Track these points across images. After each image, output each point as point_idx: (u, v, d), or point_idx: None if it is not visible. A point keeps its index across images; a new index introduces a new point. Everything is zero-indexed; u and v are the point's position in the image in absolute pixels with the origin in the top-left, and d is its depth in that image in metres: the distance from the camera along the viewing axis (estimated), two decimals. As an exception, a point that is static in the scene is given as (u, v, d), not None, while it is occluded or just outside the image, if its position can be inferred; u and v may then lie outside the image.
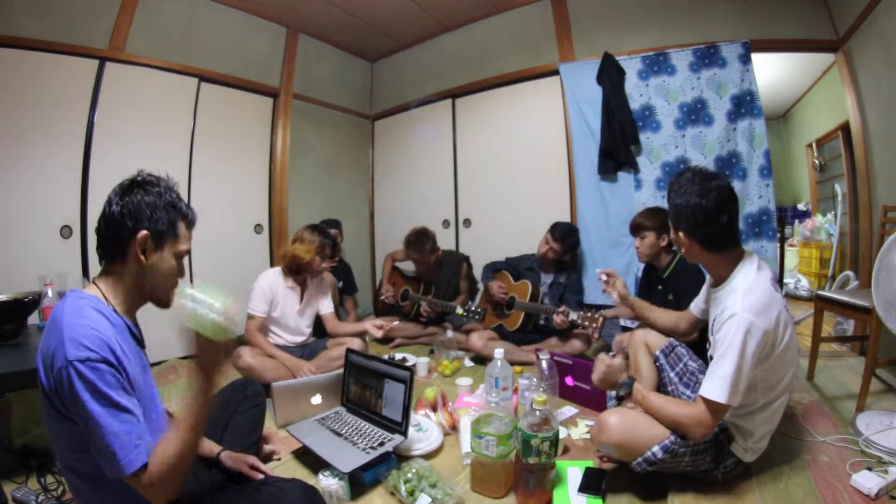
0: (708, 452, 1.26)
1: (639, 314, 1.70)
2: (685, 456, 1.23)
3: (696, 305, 1.55)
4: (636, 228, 2.16)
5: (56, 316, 0.82)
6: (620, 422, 1.25)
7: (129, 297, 0.93)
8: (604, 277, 1.69)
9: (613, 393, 1.92)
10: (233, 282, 2.90)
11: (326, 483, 1.27)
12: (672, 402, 1.28)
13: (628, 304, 1.68)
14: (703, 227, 1.25)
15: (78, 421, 0.76)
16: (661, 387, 1.56)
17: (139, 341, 0.96)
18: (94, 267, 2.46)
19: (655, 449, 1.21)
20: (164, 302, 0.97)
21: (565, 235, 2.58)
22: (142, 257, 0.90)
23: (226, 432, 1.33)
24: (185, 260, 1.02)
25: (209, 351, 0.87)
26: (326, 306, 2.40)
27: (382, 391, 1.59)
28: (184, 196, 0.99)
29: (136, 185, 0.92)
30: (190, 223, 1.00)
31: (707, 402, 1.16)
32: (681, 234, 1.30)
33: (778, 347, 1.20)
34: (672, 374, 1.53)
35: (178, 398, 1.23)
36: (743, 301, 1.16)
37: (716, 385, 1.14)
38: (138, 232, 0.89)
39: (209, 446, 1.22)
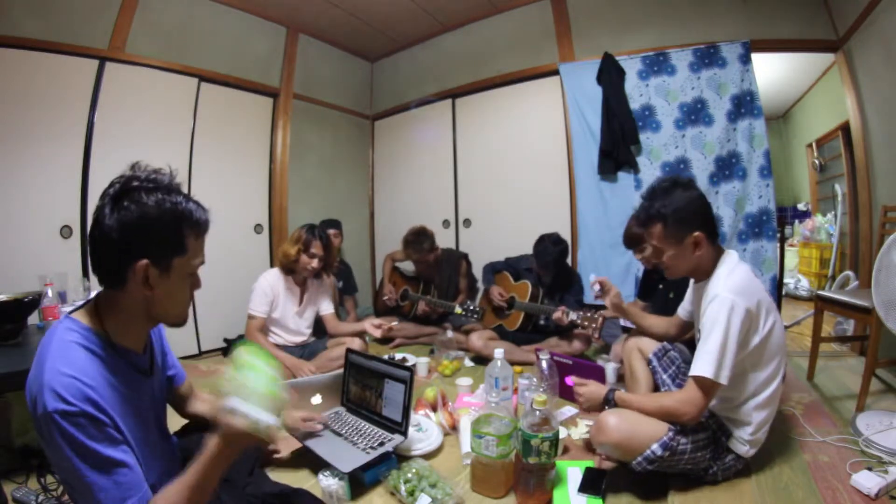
0: (707, 449, 1.27)
1: (633, 321, 1.73)
2: (685, 454, 1.24)
3: (682, 308, 1.58)
4: (638, 241, 2.05)
5: (42, 352, 0.73)
6: (620, 422, 1.25)
7: (134, 325, 0.82)
8: (597, 287, 1.69)
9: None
10: (233, 282, 2.90)
11: (326, 483, 1.27)
12: (658, 395, 1.32)
13: (622, 312, 1.69)
14: (709, 214, 1.32)
15: (61, 468, 0.69)
16: (655, 389, 1.58)
17: (144, 370, 0.87)
18: (94, 267, 2.48)
19: (655, 447, 1.21)
20: (179, 323, 0.87)
21: (550, 255, 2.48)
22: (147, 290, 0.77)
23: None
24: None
25: (247, 440, 0.76)
26: (327, 307, 2.41)
27: (382, 391, 1.59)
28: None
29: (127, 194, 0.75)
30: (202, 230, 0.83)
31: (697, 380, 1.19)
32: (696, 233, 1.29)
33: (761, 329, 1.24)
34: (665, 377, 1.55)
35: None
36: (725, 283, 1.24)
37: (703, 361, 1.18)
38: (137, 261, 0.74)
39: None
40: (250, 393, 0.74)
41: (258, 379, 0.76)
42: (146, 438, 0.79)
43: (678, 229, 1.30)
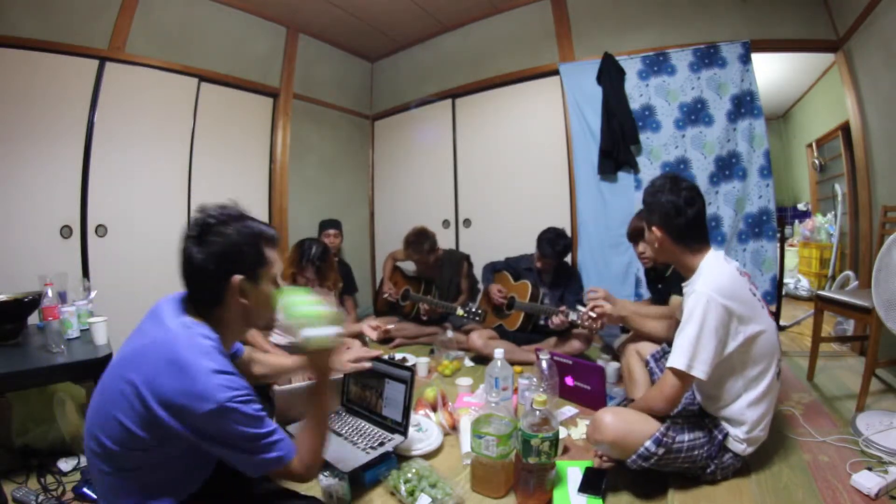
0: (703, 448, 1.27)
1: (637, 330, 1.73)
2: (681, 452, 1.24)
3: (679, 309, 1.57)
4: (641, 234, 2.03)
5: (183, 357, 0.83)
6: (615, 420, 1.26)
7: (233, 331, 0.99)
8: (593, 315, 1.71)
9: (616, 393, 1.93)
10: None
11: (326, 483, 1.27)
12: (647, 390, 1.34)
13: (626, 322, 1.69)
14: (674, 219, 1.33)
15: (238, 445, 0.86)
16: None
17: None
18: (95, 267, 2.49)
19: (648, 443, 1.22)
20: (270, 326, 1.04)
21: (553, 245, 2.51)
22: (243, 300, 0.93)
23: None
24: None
25: (324, 359, 1.02)
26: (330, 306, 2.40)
27: (383, 391, 1.59)
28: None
29: (209, 229, 0.91)
30: (274, 243, 1.00)
31: (671, 372, 1.22)
32: (654, 228, 1.37)
33: (746, 328, 1.23)
34: None
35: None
36: (705, 279, 1.26)
37: (677, 353, 1.21)
38: (231, 278, 0.91)
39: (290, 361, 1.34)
40: (313, 319, 0.97)
41: (310, 307, 0.98)
42: None
43: (646, 219, 1.42)
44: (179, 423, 0.82)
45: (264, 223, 1.00)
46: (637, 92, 2.85)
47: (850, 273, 3.09)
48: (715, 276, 1.26)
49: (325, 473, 1.30)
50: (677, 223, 1.33)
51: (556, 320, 2.24)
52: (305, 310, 0.98)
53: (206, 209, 0.95)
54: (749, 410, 1.27)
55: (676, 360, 1.20)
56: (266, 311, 0.99)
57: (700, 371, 1.18)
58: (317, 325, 0.97)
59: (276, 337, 2.29)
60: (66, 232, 2.42)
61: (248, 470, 0.90)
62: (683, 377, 1.20)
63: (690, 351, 1.18)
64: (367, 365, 1.54)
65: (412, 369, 1.53)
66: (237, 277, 0.91)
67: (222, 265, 0.90)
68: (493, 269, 2.88)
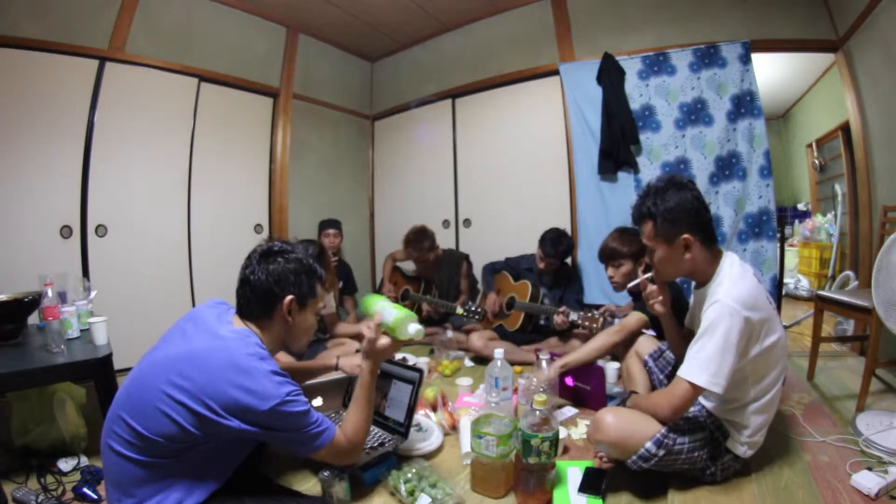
0: (704, 449, 1.27)
1: (666, 330, 1.56)
2: (681, 453, 1.24)
3: (688, 319, 1.54)
4: (610, 255, 2.01)
5: (232, 357, 0.94)
6: (616, 420, 1.25)
7: (273, 345, 1.10)
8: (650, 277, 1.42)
9: (617, 392, 1.93)
10: (232, 282, 2.89)
11: (326, 483, 1.26)
12: (654, 393, 1.32)
13: (665, 318, 1.47)
14: (703, 215, 1.26)
15: (294, 436, 1.00)
16: (652, 390, 1.58)
17: None
18: (95, 267, 2.49)
19: (648, 444, 1.21)
20: (300, 352, 1.17)
21: (556, 245, 2.54)
22: (289, 318, 1.08)
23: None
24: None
25: (391, 348, 1.22)
26: (328, 306, 2.40)
27: (388, 392, 1.58)
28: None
29: (274, 254, 1.08)
30: (324, 283, 1.17)
31: (687, 384, 1.17)
32: (685, 235, 1.25)
33: (764, 338, 1.21)
34: (662, 377, 1.56)
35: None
36: (728, 290, 1.19)
37: (698, 367, 1.16)
38: (285, 297, 1.06)
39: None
40: (406, 318, 1.21)
41: (399, 310, 1.23)
42: None
43: (668, 229, 1.26)
44: (241, 421, 0.92)
45: (318, 264, 1.16)
46: (637, 92, 2.85)
47: (850, 273, 3.09)
48: (736, 284, 1.20)
49: (325, 473, 1.30)
50: (706, 219, 1.26)
51: (557, 319, 2.24)
52: (403, 311, 1.21)
53: (271, 240, 1.13)
54: (755, 416, 1.26)
55: (695, 374, 1.15)
56: (303, 335, 1.14)
57: (719, 386, 1.14)
58: (413, 322, 1.19)
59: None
60: (66, 232, 2.42)
61: (300, 450, 1.05)
62: (698, 390, 1.16)
63: (712, 367, 1.13)
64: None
65: (421, 371, 1.51)
66: (289, 297, 1.06)
67: (279, 283, 1.06)
68: (492, 270, 2.88)
